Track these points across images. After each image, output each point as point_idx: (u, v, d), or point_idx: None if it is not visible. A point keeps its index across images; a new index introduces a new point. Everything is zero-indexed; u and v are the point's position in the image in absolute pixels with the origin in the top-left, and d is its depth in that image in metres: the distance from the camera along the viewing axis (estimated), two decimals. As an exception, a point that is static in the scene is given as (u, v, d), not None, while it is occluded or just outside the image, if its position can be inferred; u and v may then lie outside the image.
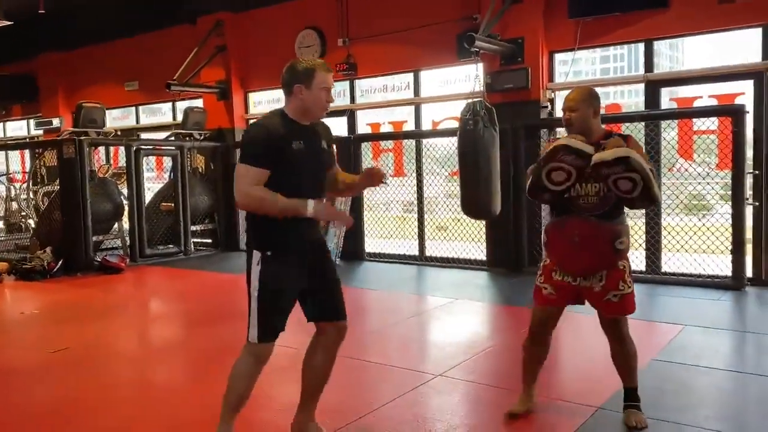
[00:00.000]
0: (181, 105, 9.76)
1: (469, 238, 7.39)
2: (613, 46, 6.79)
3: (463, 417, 3.29)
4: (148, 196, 8.86)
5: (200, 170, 9.36)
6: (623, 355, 3.02)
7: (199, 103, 9.52)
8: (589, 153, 2.78)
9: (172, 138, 9.09)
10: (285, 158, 2.62)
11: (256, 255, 2.69)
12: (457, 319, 5.33)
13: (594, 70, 7.97)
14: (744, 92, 5.74)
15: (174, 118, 10.26)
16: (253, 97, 9.41)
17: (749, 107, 5.58)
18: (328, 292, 2.90)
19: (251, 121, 2.47)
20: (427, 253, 7.68)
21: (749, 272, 5.67)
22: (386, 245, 7.99)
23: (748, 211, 5.64)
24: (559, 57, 6.81)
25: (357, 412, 3.27)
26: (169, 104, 10.41)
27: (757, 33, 5.71)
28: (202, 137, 9.05)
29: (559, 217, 2.96)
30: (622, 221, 2.93)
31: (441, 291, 6.23)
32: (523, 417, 3.15)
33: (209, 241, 9.35)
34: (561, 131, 6.62)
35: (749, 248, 5.68)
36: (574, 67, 6.73)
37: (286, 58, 8.41)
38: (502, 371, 3.96)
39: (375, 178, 2.87)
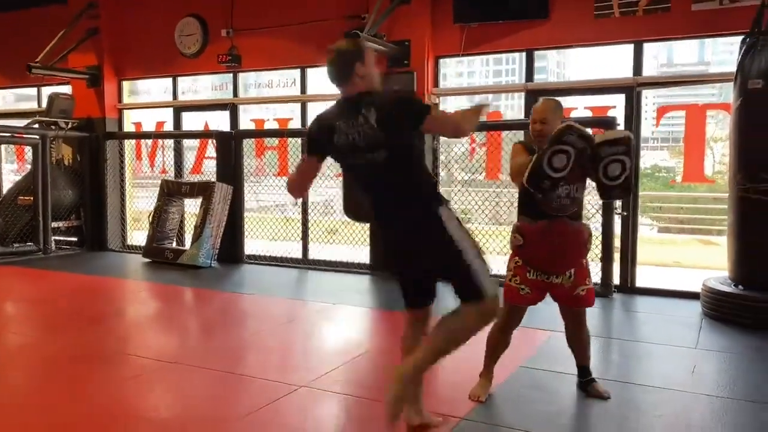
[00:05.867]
0: (49, 91, 8.93)
1: (358, 242, 7.22)
2: (506, 54, 6.86)
3: (320, 432, 3.08)
4: (6, 189, 8.05)
5: (68, 161, 8.61)
6: (583, 338, 3.41)
7: (67, 89, 8.75)
8: (589, 135, 2.99)
9: (35, 126, 8.29)
10: None
11: (446, 210, 2.56)
12: (333, 325, 5.14)
13: (487, 72, 8.08)
14: (615, 105, 5.96)
15: (39, 104, 9.39)
16: (128, 85, 8.80)
17: (620, 120, 5.79)
18: None
19: (384, 95, 2.63)
20: (312, 256, 7.44)
21: (616, 280, 5.87)
22: (270, 247, 7.66)
23: (617, 221, 5.83)
24: (446, 62, 6.80)
25: (198, 430, 3.00)
26: (34, 89, 9.53)
27: (629, 49, 5.94)
28: (68, 126, 8.31)
29: (534, 219, 3.14)
30: (586, 223, 3.28)
31: (320, 295, 6.02)
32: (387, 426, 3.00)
33: (74, 239, 8.60)
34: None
35: (617, 257, 5.87)
36: (470, 70, 6.76)
37: (164, 45, 8.09)
38: (370, 380, 3.80)
39: None
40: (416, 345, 2.72)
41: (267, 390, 3.47)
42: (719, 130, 7.09)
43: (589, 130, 3.08)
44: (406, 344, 2.82)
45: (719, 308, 4.92)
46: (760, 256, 4.85)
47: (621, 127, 5.74)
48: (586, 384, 3.46)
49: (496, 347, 3.41)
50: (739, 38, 4.97)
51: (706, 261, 7.32)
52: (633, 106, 5.88)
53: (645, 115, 6.28)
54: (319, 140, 2.70)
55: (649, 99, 6.93)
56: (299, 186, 2.85)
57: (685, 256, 8.28)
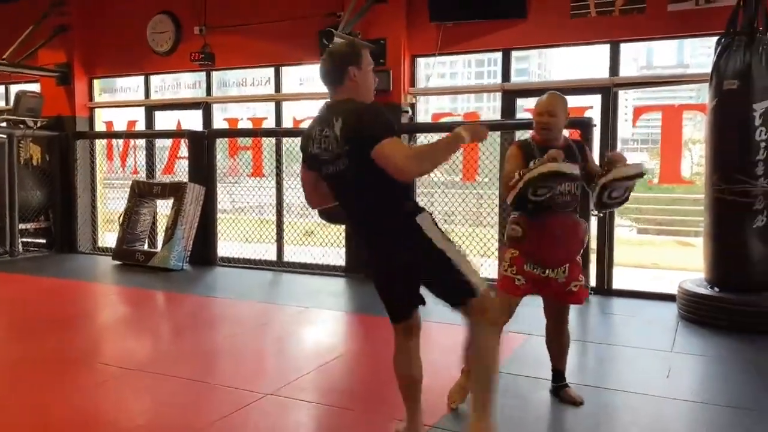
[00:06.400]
0: (17, 89, 8.70)
1: (334, 244, 7.11)
2: (485, 54, 6.78)
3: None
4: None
5: (36, 161, 8.39)
6: (564, 338, 3.34)
7: (36, 87, 8.53)
8: (577, 175, 2.98)
9: (2, 124, 8.06)
10: None
11: (421, 217, 2.47)
12: (305, 330, 5.02)
13: (470, 73, 8.03)
14: (592, 106, 5.92)
15: (7, 102, 9.15)
16: (104, 83, 8.61)
17: (597, 120, 5.74)
18: None
19: (356, 106, 2.45)
20: (286, 259, 7.31)
21: (593, 281, 5.82)
22: (244, 249, 7.51)
23: (593, 222, 5.78)
24: (428, 62, 6.70)
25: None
26: (2, 87, 9.30)
27: (605, 49, 5.90)
28: (37, 125, 8.10)
29: (537, 213, 3.06)
30: (582, 219, 3.26)
31: (294, 298, 5.90)
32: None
33: (43, 241, 8.39)
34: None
35: (593, 258, 5.82)
36: (452, 71, 6.68)
37: (136, 42, 7.90)
38: (342, 386, 3.70)
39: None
40: (412, 367, 2.69)
41: (231, 398, 3.35)
42: (698, 131, 7.09)
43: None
44: (401, 370, 2.71)
45: (695, 310, 4.88)
46: (735, 257, 4.82)
47: (597, 127, 5.70)
48: (559, 389, 3.38)
49: None
50: (715, 39, 4.94)
51: (684, 262, 7.32)
52: (610, 107, 5.84)
53: (625, 116, 6.25)
54: (304, 148, 2.65)
55: (629, 100, 6.91)
56: (307, 195, 2.79)
57: (664, 258, 8.28)
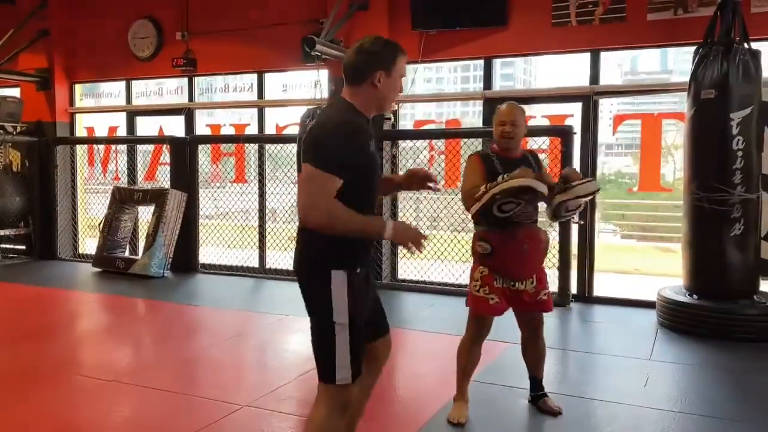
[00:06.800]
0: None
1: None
2: (468, 61, 6.80)
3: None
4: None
5: (16, 167, 8.30)
6: (540, 347, 3.33)
7: (16, 92, 8.45)
8: (545, 193, 2.96)
9: (-20, 130, 7.98)
10: (361, 164, 2.14)
11: (338, 274, 2.12)
12: (286, 339, 4.99)
13: (455, 79, 8.03)
14: (573, 114, 5.94)
15: (-14, 107, 9.04)
16: (88, 88, 8.54)
17: (577, 128, 5.77)
18: (379, 305, 2.48)
19: (326, 118, 2.18)
20: (269, 265, 7.27)
21: (574, 289, 5.84)
22: (227, 255, 7.46)
23: (574, 230, 5.80)
24: (415, 67, 6.70)
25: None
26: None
27: (586, 57, 5.94)
28: (17, 130, 8.02)
29: (503, 227, 3.04)
30: (543, 228, 3.28)
31: (275, 306, 5.86)
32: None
33: (22, 247, 8.30)
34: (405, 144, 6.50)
35: (574, 264, 5.84)
36: (438, 76, 6.67)
37: (117, 48, 7.84)
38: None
39: (422, 179, 2.53)
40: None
41: (208, 410, 3.32)
42: (680, 137, 7.13)
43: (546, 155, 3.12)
44: None
45: (674, 318, 4.91)
46: (713, 265, 4.85)
47: (578, 135, 5.74)
48: (537, 398, 3.38)
49: (467, 363, 3.24)
50: (694, 48, 4.98)
51: (666, 268, 7.36)
52: (590, 115, 5.87)
53: (609, 122, 6.28)
54: None
55: (614, 106, 6.95)
56: None
57: (646, 263, 8.32)
